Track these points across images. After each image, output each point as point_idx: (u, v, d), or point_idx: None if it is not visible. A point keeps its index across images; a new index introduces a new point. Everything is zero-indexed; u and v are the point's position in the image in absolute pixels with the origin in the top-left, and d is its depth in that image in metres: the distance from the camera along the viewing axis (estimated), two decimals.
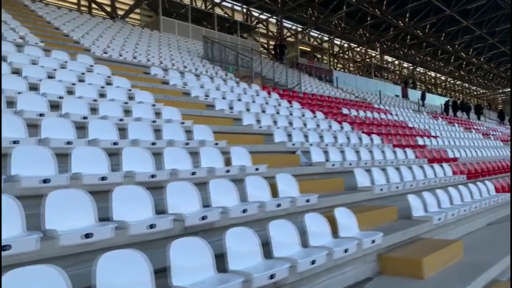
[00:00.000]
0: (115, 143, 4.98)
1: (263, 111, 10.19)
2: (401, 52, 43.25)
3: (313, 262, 3.65)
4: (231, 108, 9.42)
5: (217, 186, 4.51)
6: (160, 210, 3.93)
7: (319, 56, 38.33)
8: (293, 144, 7.80)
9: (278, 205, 4.71)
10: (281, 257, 3.66)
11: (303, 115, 11.43)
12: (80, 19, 18.63)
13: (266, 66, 21.27)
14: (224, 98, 10.32)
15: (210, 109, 9.07)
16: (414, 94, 34.61)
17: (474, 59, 46.81)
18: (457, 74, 53.80)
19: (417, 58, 45.74)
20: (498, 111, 39.91)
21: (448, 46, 41.41)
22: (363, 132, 11.22)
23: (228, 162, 5.78)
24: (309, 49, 35.49)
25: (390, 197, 6.95)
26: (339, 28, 35.74)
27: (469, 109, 29.41)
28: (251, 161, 6.02)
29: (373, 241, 4.49)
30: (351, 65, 43.88)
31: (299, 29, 36.52)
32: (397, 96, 33.83)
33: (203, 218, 3.81)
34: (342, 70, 41.11)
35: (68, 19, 17.16)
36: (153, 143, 5.41)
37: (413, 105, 29.74)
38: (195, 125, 6.79)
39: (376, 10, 32.43)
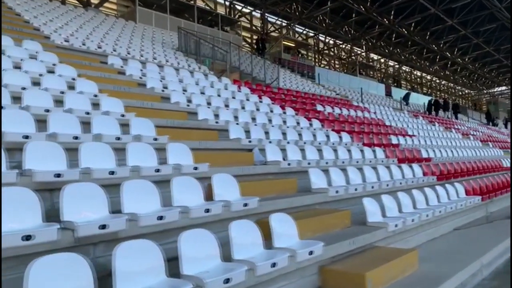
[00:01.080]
0: (26, 137, 4.34)
1: (226, 106, 9.59)
2: (387, 50, 43.04)
3: (227, 280, 3.09)
4: (189, 101, 8.79)
5: (134, 189, 3.90)
6: None
7: (304, 52, 37.86)
8: (250, 141, 7.23)
9: (207, 211, 4.13)
10: (189, 275, 3.09)
11: (271, 111, 10.87)
12: (48, 6, 17.74)
13: (246, 60, 20.64)
14: (185, 90, 9.70)
15: (165, 101, 8.44)
16: (399, 93, 34.33)
17: (459, 59, 46.87)
18: (442, 73, 53.92)
19: (402, 57, 45.61)
20: (486, 113, 39.66)
21: (433, 45, 41.31)
22: (333, 130, 10.71)
23: (165, 161, 5.17)
24: (293, 45, 34.96)
25: (349, 199, 6.43)
26: (324, 24, 35.27)
27: (453, 107, 29.20)
28: (192, 159, 5.42)
29: (310, 253, 3.94)
30: (336, 62, 43.50)
31: (284, 24, 35.92)
32: (388, 96, 33.60)
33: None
34: (327, 67, 40.70)
35: (34, 6, 16.28)
36: (76, 137, 4.77)
37: (396, 104, 29.47)
38: (137, 118, 6.16)
39: (361, 6, 32.03)
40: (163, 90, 8.97)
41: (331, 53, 42.68)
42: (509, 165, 14.88)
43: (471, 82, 60.52)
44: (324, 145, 8.67)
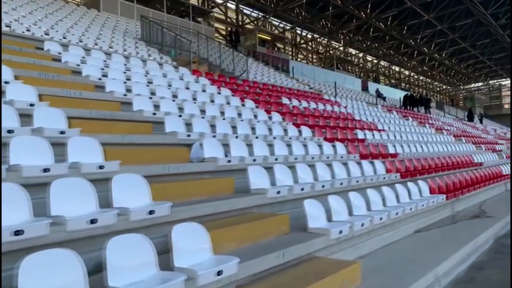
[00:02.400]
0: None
1: (175, 96, 8.73)
2: (364, 45, 42.69)
3: None
4: (129, 91, 7.90)
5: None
6: None
7: (280, 46, 37.13)
8: (189, 135, 6.39)
9: (93, 221, 3.29)
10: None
11: (228, 103, 10.06)
12: None
13: (216, 52, 19.70)
14: (129, 79, 8.78)
15: (99, 91, 7.52)
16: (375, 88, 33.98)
17: (436, 55, 46.96)
18: (420, 69, 54.04)
19: (380, 52, 45.37)
20: (468, 111, 39.46)
21: (410, 40, 41.14)
22: (293, 124, 9.97)
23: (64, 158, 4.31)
24: (269, 38, 34.16)
25: (295, 201, 5.66)
26: (300, 17, 34.54)
27: (424, 102, 28.90)
28: (102, 156, 4.56)
29: (219, 273, 3.15)
30: (314, 56, 42.91)
31: (259, 17, 35.04)
32: (364, 90, 33.19)
33: None
34: (304, 61, 40.08)
35: None
36: None
37: (372, 99, 29.07)
38: (46, 108, 5.26)
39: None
40: (100, 79, 8.03)
41: (309, 47, 42.05)
42: (480, 160, 14.48)
43: (448, 78, 60.97)
44: (279, 140, 7.92)
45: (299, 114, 11.57)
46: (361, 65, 48.60)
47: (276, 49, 34.27)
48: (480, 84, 66.03)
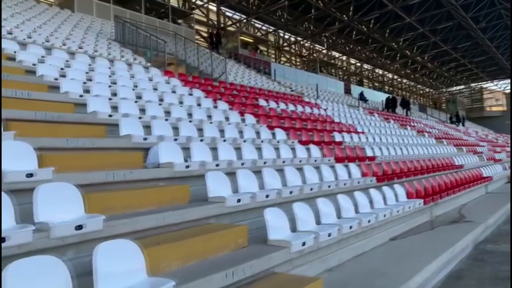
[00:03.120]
0: None
1: (139, 98, 8.21)
2: (347, 48, 42.70)
3: None
4: (87, 91, 7.36)
5: None
6: None
7: (263, 49, 36.80)
8: (145, 139, 5.89)
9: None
10: None
11: (199, 104, 9.58)
12: None
13: (195, 54, 19.22)
14: (90, 80, 8.24)
15: (53, 91, 6.97)
16: (358, 91, 33.90)
17: (418, 58, 47.27)
18: (403, 72, 54.39)
19: (363, 55, 45.47)
20: (455, 114, 39.50)
21: (393, 43, 41.30)
22: (268, 126, 9.55)
23: None
24: (252, 41, 33.79)
25: (259, 209, 5.19)
26: (282, 20, 34.30)
27: (404, 104, 28.87)
28: (37, 163, 4.04)
29: None
30: (297, 59, 42.72)
31: (242, 19, 34.67)
32: (347, 93, 33.03)
33: None
34: (288, 64, 39.86)
35: None
36: None
37: (354, 101, 28.92)
38: None
39: (319, 1, 31.27)
40: (56, 79, 7.47)
41: (292, 50, 41.85)
42: (461, 163, 14.30)
43: (431, 80, 61.58)
44: (249, 143, 7.47)
45: (275, 117, 11.16)
46: (344, 68, 48.62)
47: (258, 51, 33.92)
48: (462, 87, 66.89)
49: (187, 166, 5.36)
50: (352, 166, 8.12)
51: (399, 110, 28.15)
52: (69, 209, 3.48)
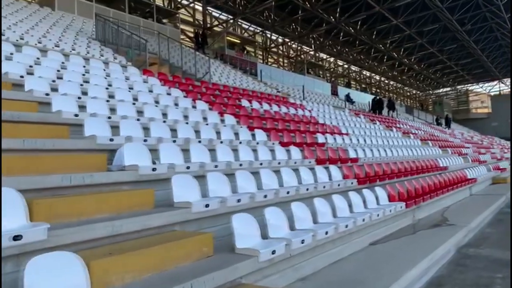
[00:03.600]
0: None
1: (111, 97, 7.86)
2: (335, 50, 42.71)
3: None
4: (55, 90, 6.98)
5: None
6: None
7: (251, 49, 36.57)
8: (111, 140, 5.55)
9: None
10: None
11: (176, 104, 9.25)
12: None
13: (179, 54, 18.88)
14: (60, 78, 7.85)
15: (17, 89, 6.59)
16: (345, 92, 33.86)
17: (405, 60, 47.54)
18: (390, 74, 54.67)
19: (351, 56, 45.54)
20: (444, 117, 39.60)
21: (380, 45, 41.43)
22: (248, 127, 9.27)
23: None
24: (239, 41, 33.51)
25: (232, 214, 4.89)
26: (269, 21, 34.11)
27: (388, 105, 28.86)
28: None
29: None
30: (285, 61, 42.58)
31: (228, 19, 34.38)
32: (334, 95, 32.94)
33: None
34: (275, 65, 39.68)
35: None
36: None
37: (341, 103, 28.85)
38: None
39: (306, 2, 31.15)
40: (22, 77, 7.08)
41: (280, 51, 41.69)
42: (445, 164, 14.20)
43: (417, 82, 62.05)
44: (226, 144, 7.17)
45: (257, 117, 10.88)
46: (332, 70, 48.65)
47: (245, 52, 33.66)
48: (448, 89, 67.59)
49: (154, 169, 5.04)
50: (333, 168, 7.88)
51: (385, 111, 28.13)
52: (9, 217, 3.14)
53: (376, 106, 27.21)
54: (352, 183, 7.63)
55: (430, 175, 11.05)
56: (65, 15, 20.03)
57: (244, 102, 12.65)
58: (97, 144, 5.38)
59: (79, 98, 6.98)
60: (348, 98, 30.56)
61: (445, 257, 6.40)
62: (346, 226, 5.30)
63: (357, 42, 40.65)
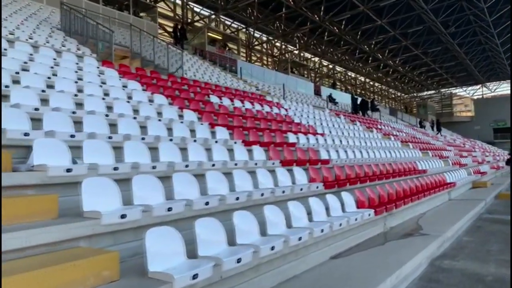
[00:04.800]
0: None
1: (50, 87, 6.97)
2: (319, 49, 42.15)
3: None
4: None
5: None
6: None
7: (233, 46, 35.75)
8: (26, 134, 4.67)
9: None
10: None
11: (130, 97, 8.39)
12: None
13: (153, 48, 17.99)
14: None
15: None
16: (328, 93, 33.31)
17: (390, 61, 47.33)
18: (375, 75, 54.47)
19: (335, 57, 45.08)
20: (436, 121, 39.21)
21: (365, 46, 41.04)
22: (210, 124, 8.47)
23: None
24: (220, 38, 32.65)
25: (160, 226, 4.10)
26: (252, 17, 33.34)
27: (372, 106, 28.38)
28: None
29: None
30: (269, 59, 41.85)
31: (210, 15, 33.48)
32: (317, 95, 32.34)
33: None
34: (259, 63, 38.94)
35: None
36: None
37: (323, 103, 28.23)
38: None
39: (290, 0, 30.47)
40: None
41: (263, 50, 40.95)
42: (424, 167, 13.62)
43: (402, 85, 62.05)
44: (176, 142, 6.37)
45: (224, 114, 10.08)
46: (317, 70, 48.13)
47: (227, 49, 32.83)
48: (432, 92, 67.88)
49: (69, 170, 4.19)
50: (298, 171, 7.13)
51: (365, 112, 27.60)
52: None
53: (360, 108, 26.62)
54: (317, 187, 6.89)
55: (407, 179, 10.42)
56: (32, 3, 18.92)
57: (214, 98, 11.83)
58: (7, 139, 4.51)
59: (7, 86, 6.09)
60: (330, 99, 30.01)
61: (416, 271, 5.71)
62: (300, 239, 4.54)
63: (342, 42, 40.19)
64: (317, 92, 33.48)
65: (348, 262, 5.30)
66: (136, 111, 7.50)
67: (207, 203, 4.52)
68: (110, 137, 5.49)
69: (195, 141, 6.89)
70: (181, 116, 8.37)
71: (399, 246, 6.21)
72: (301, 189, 6.41)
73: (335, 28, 36.36)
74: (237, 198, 5.03)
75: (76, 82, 7.93)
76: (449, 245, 7.51)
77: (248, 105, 13.15)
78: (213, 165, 5.96)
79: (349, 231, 5.97)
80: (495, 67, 53.67)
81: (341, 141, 12.73)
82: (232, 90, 15.78)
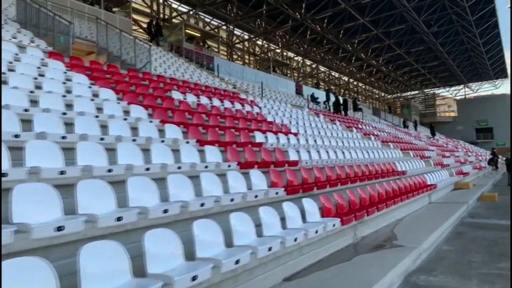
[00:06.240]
0: None
1: None
2: (302, 48, 41.41)
3: None
4: None
5: None
6: None
7: (213, 44, 34.73)
8: None
9: None
10: None
11: (68, 91, 7.36)
12: None
13: (120, 43, 16.90)
14: None
15: None
16: (310, 92, 32.57)
17: (373, 61, 46.88)
18: (358, 75, 54.03)
19: (318, 56, 44.41)
20: (429, 126, 38.79)
21: (348, 45, 40.44)
22: (162, 121, 7.50)
23: None
24: (199, 35, 31.59)
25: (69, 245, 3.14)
26: (232, 14, 32.39)
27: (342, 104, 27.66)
28: None
29: None
30: (251, 58, 40.91)
31: (189, 11, 32.38)
32: (298, 94, 31.54)
33: None
34: (240, 62, 37.98)
35: None
36: None
37: (304, 102, 27.46)
38: None
39: None
40: None
41: (245, 48, 40.01)
42: (404, 169, 12.88)
43: (386, 85, 61.83)
44: (110, 141, 5.39)
45: (184, 111, 9.11)
46: (300, 69, 47.40)
47: (207, 47, 31.79)
48: (416, 92, 67.91)
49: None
50: (256, 174, 6.21)
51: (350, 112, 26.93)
52: None
53: (341, 107, 25.88)
54: (277, 193, 5.97)
55: (384, 181, 9.60)
56: None
57: (176, 95, 10.84)
58: None
59: None
60: (312, 98, 29.28)
61: None
62: (237, 262, 3.61)
63: (325, 41, 39.50)
64: (299, 91, 32.70)
65: (305, 284, 4.41)
66: (69, 105, 6.47)
67: (165, 211, 3.56)
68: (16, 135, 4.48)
69: (134, 140, 5.90)
70: (127, 112, 7.38)
71: (369, 261, 5.34)
72: (256, 196, 5.48)
73: (317, 26, 35.65)
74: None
75: (4, 73, 6.87)
76: (426, 256, 6.70)
77: (217, 102, 12.20)
78: (147, 169, 4.99)
79: (309, 245, 5.08)
80: (477, 67, 53.79)
81: (315, 141, 11.88)
82: (202, 86, 14.80)
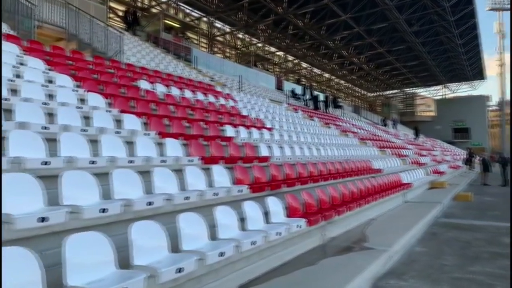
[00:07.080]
0: None
1: None
2: (283, 43, 41.03)
3: None
4: None
5: None
6: None
7: (194, 36, 34.00)
8: None
9: None
10: None
11: (18, 76, 6.72)
12: None
13: (90, 30, 16.13)
14: None
15: None
16: (291, 87, 32.25)
17: (354, 59, 46.89)
18: (339, 73, 54.07)
19: (300, 52, 44.13)
20: (414, 128, 39.06)
21: (329, 42, 40.27)
22: (122, 111, 6.95)
23: None
24: (178, 25, 30.80)
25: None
26: (213, 6, 31.70)
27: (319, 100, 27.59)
28: None
29: None
30: (232, 52, 40.30)
31: (168, 1, 31.53)
32: (279, 89, 31.17)
33: None
34: (221, 55, 37.35)
35: None
36: None
37: (284, 97, 27.11)
38: None
39: None
40: None
41: (226, 41, 39.36)
42: (379, 167, 12.63)
43: (367, 83, 62.16)
44: (52, 130, 4.84)
45: (149, 101, 8.55)
46: (282, 64, 47.03)
47: (186, 38, 31.04)
48: (396, 91, 68.55)
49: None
50: (219, 170, 5.75)
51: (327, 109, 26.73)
52: None
53: (320, 103, 25.66)
54: (240, 191, 5.53)
55: (358, 179, 9.29)
56: None
57: (144, 84, 10.25)
58: None
59: None
60: (293, 94, 28.98)
61: None
62: (180, 271, 3.15)
63: (307, 37, 39.22)
64: (279, 87, 32.34)
65: None
66: (14, 91, 5.86)
67: (103, 210, 3.05)
68: None
69: (84, 130, 5.35)
70: (83, 101, 6.79)
71: (335, 266, 4.96)
72: (216, 194, 5.02)
73: (299, 21, 35.31)
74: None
75: None
76: (398, 258, 6.39)
77: (188, 94, 11.66)
78: (93, 162, 4.47)
79: (270, 248, 4.67)
80: (455, 68, 54.54)
81: (290, 136, 11.48)
82: (175, 77, 14.21)
